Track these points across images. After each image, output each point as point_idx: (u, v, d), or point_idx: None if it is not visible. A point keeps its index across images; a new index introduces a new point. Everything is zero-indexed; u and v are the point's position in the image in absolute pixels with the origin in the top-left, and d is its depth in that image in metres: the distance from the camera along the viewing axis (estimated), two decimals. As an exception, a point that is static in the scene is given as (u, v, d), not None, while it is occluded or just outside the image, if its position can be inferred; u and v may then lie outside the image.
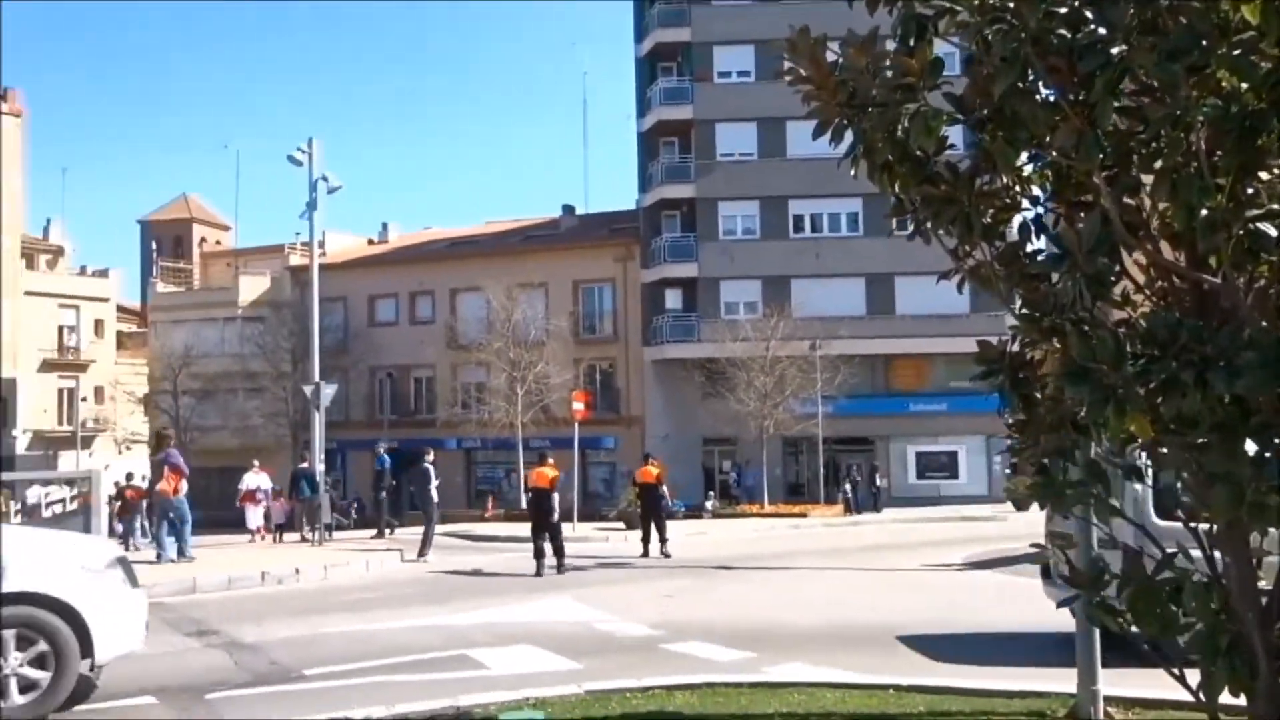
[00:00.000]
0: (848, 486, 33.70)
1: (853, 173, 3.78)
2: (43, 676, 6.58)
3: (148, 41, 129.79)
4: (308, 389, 20.07)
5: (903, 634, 9.28)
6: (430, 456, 18.30)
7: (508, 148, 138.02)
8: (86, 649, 6.72)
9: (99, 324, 55.84)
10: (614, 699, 6.84)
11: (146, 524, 23.20)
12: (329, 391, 19.91)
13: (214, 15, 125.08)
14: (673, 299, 40.33)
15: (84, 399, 52.92)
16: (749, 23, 38.04)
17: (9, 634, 6.55)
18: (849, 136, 3.75)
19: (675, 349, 39.35)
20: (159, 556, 15.05)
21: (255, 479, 24.31)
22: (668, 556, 17.25)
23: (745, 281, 39.00)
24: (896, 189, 3.78)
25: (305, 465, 26.61)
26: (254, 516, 23.50)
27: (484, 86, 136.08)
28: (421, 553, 17.40)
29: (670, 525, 18.99)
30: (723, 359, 35.24)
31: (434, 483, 17.86)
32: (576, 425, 24.55)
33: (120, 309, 60.61)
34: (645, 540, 17.96)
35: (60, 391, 53.77)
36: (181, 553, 15.09)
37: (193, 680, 7.80)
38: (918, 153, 3.66)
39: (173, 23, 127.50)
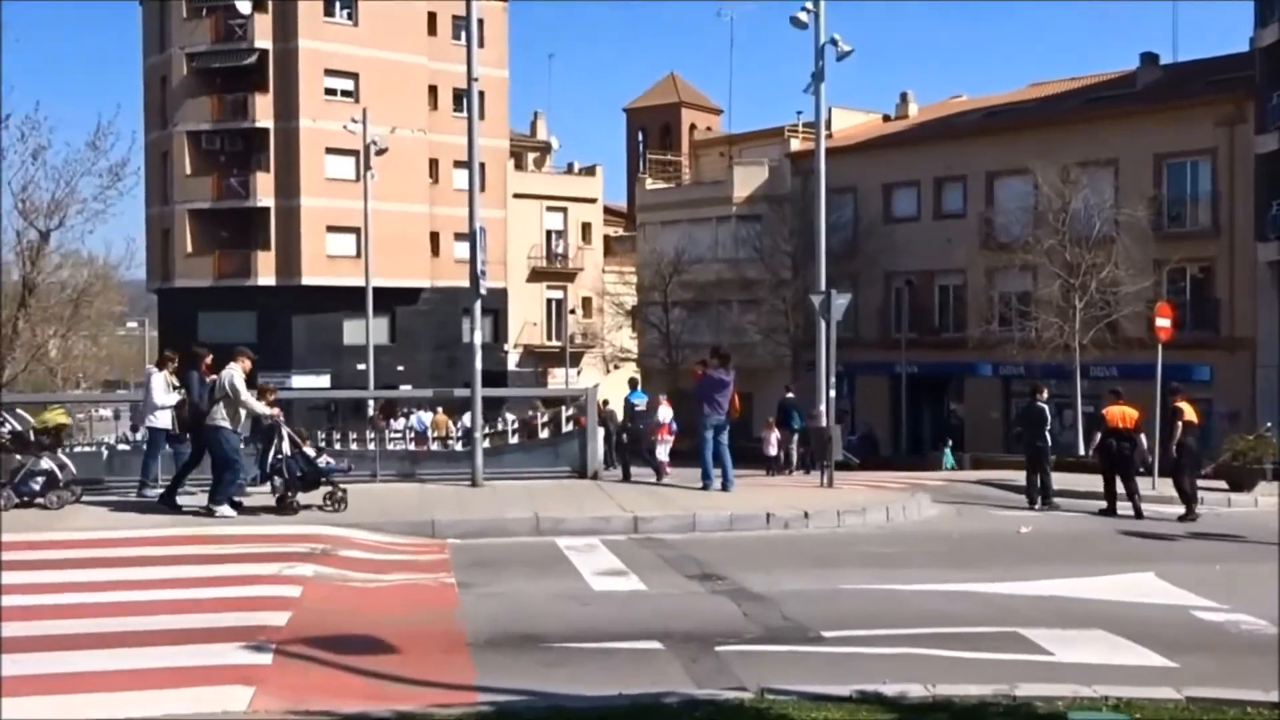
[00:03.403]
0: None
1: None
2: None
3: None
4: (815, 299, 20.81)
5: None
6: (1044, 395, 19.35)
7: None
8: None
9: (586, 228, 62.79)
10: (1229, 711, 6.47)
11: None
12: (840, 302, 20.41)
13: None
14: (1303, 175, 36.07)
15: (572, 311, 60.14)
16: None
17: None
18: None
19: (1306, 244, 35.33)
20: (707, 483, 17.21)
21: (666, 411, 27.67)
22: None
23: None
24: None
25: (791, 395, 29.20)
26: (663, 450, 26.79)
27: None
28: (1044, 501, 18.82)
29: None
30: (1382, 257, 30.99)
31: (1049, 424, 19.13)
32: (1159, 349, 23.14)
33: (606, 211, 67.44)
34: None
35: (548, 303, 61.62)
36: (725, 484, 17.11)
37: (699, 628, 8.53)
38: None
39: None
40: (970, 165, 43.68)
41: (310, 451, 14.38)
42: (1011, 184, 42.07)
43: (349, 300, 46.57)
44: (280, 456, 13.94)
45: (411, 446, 33.80)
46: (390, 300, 50.38)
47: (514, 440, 36.72)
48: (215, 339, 50.88)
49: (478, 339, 17.48)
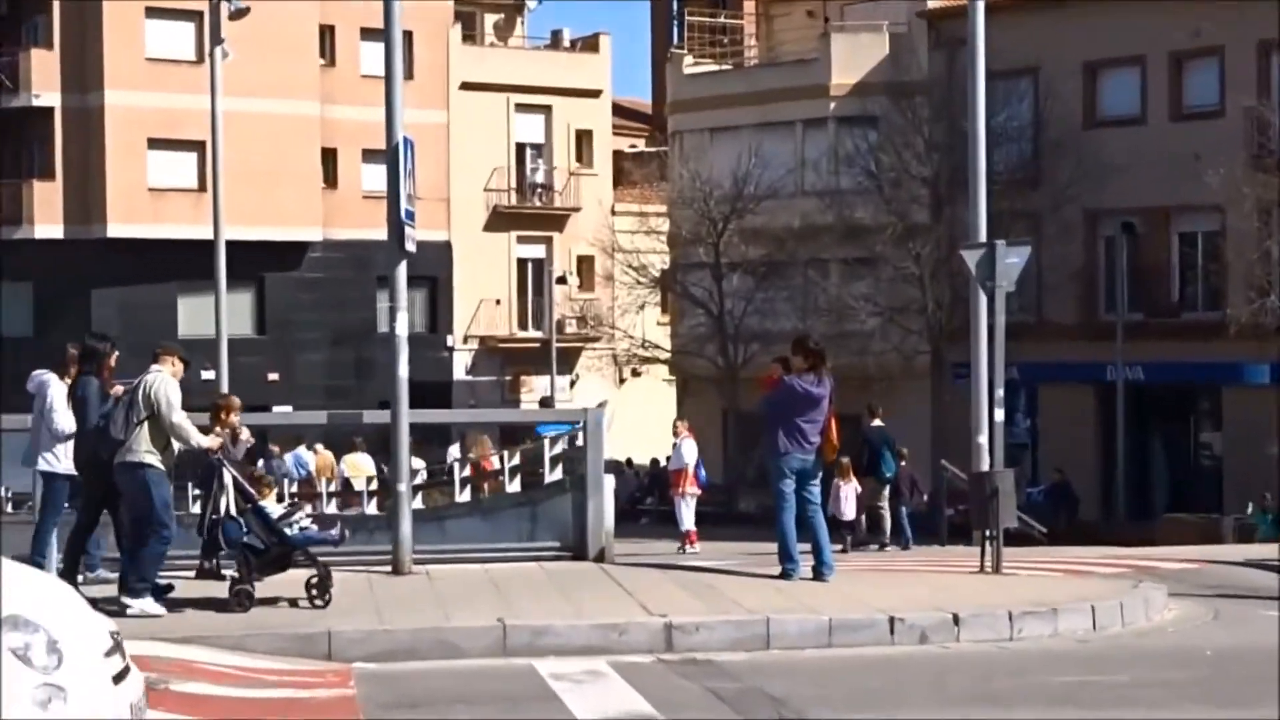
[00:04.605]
0: None
1: None
2: None
3: None
4: (969, 255, 20.79)
5: None
6: None
7: None
8: None
9: (583, 141, 62.89)
10: None
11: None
12: (1013, 261, 20.36)
13: None
14: None
15: (561, 280, 60.13)
16: None
17: None
18: None
19: None
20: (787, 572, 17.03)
21: (689, 450, 28.08)
22: None
23: None
24: None
25: (878, 423, 29.61)
26: (688, 512, 27.55)
27: None
28: None
29: None
30: None
31: None
32: None
33: (618, 111, 67.24)
34: None
35: (521, 268, 61.70)
36: (821, 569, 17.05)
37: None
38: None
39: None
40: (1230, 30, 43.61)
41: (273, 508, 14.61)
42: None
43: (186, 263, 46.59)
44: (216, 517, 14.16)
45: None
46: (257, 263, 50.58)
47: (464, 496, 36.66)
48: (-35, 329, 51.39)
49: (402, 327, 17.46)
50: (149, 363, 14.59)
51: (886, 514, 29.43)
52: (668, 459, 36.05)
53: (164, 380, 14.19)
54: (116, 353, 15.63)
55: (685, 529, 28.19)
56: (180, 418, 14.14)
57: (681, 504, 28.46)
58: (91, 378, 15.18)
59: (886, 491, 29.42)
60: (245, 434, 14.93)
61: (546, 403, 23.68)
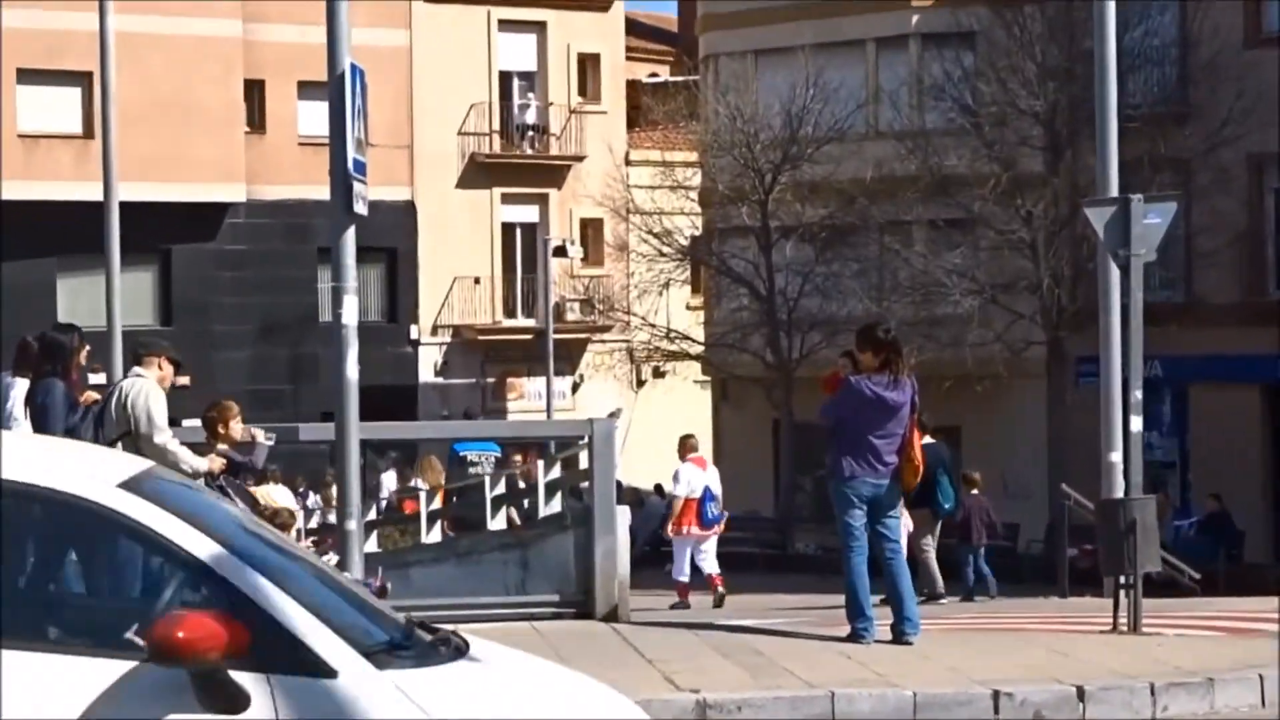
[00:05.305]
0: None
1: None
2: None
3: None
4: (1096, 215, 20.96)
5: None
6: None
7: None
8: None
9: (587, 67, 63.13)
10: None
11: None
12: (1154, 222, 20.52)
13: None
14: None
15: (558, 250, 59.94)
16: None
17: None
18: None
19: None
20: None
21: (697, 475, 28.26)
22: None
23: None
24: None
25: (929, 439, 29.90)
26: (685, 558, 28.34)
27: None
28: None
29: None
30: None
31: None
32: None
33: (633, 30, 67.33)
34: None
35: (507, 235, 61.89)
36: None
37: None
38: None
39: None
40: None
41: None
42: None
43: (68, 233, 46.93)
44: None
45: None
46: (160, 232, 50.61)
47: (433, 536, 36.79)
48: None
49: (350, 314, 17.50)
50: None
51: (931, 554, 29.37)
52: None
53: (146, 389, 14.42)
54: (88, 347, 15.85)
55: (677, 578, 28.30)
56: (165, 439, 14.35)
57: (686, 547, 28.55)
58: (55, 380, 15.27)
59: (938, 527, 29.30)
60: (261, 435, 15.01)
61: (470, 414, 23.16)
